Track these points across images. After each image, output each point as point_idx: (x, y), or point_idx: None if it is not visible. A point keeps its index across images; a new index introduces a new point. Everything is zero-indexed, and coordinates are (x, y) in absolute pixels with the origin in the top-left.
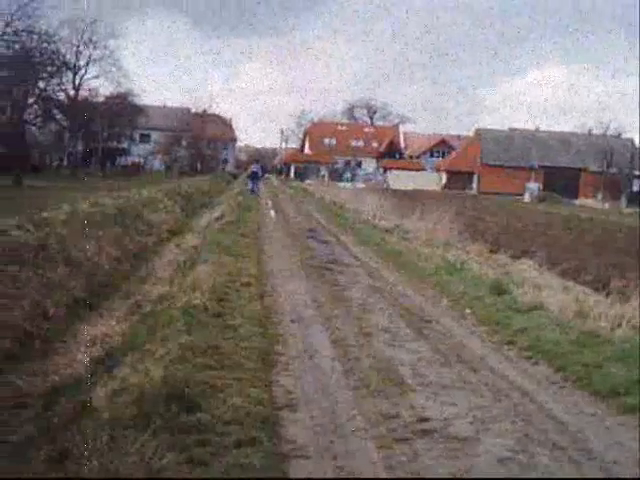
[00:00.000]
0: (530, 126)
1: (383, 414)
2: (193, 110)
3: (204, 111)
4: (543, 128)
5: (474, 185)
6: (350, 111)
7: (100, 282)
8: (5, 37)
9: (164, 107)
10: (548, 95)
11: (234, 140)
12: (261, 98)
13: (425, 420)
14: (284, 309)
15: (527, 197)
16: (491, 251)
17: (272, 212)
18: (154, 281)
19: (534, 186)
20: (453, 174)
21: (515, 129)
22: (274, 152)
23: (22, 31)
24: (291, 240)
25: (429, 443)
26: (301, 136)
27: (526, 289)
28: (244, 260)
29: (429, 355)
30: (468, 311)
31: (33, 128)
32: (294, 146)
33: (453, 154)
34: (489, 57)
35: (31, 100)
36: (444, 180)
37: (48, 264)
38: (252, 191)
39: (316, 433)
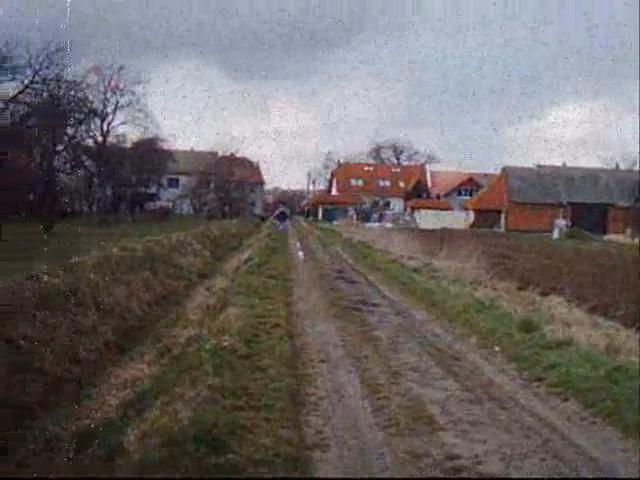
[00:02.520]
0: (556, 163)
1: (413, 453)
2: (220, 154)
3: (231, 154)
4: (569, 165)
5: (502, 223)
6: (376, 151)
7: (131, 326)
8: (34, 85)
9: (192, 151)
10: (572, 132)
11: (262, 183)
12: (288, 140)
13: (455, 458)
14: (313, 349)
15: (555, 234)
16: (520, 288)
17: (300, 253)
18: (184, 324)
19: (562, 223)
20: (481, 212)
21: (542, 166)
22: (301, 194)
23: (50, 79)
24: (320, 281)
25: None
26: (328, 177)
27: (555, 325)
28: (273, 302)
29: (458, 393)
30: (497, 348)
31: (62, 175)
32: (321, 187)
33: (480, 192)
34: (513, 97)
35: (60, 147)
36: (472, 218)
37: (78, 309)
38: (281, 230)
39: (346, 473)
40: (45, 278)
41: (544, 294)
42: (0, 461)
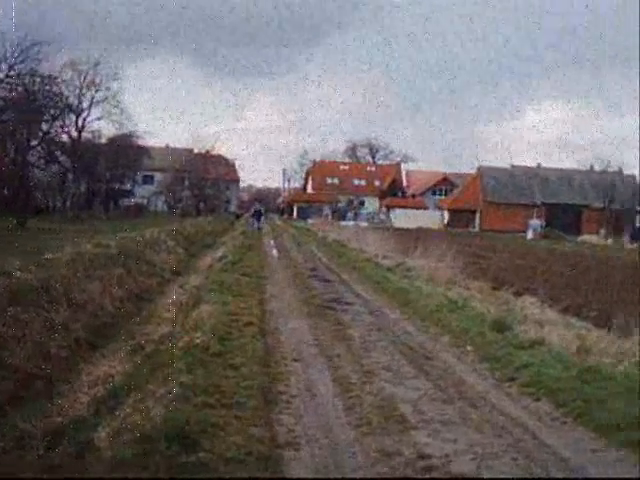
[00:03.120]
0: (531, 163)
1: (384, 452)
2: (196, 151)
3: (207, 152)
4: (544, 165)
5: (477, 223)
6: (352, 150)
7: (103, 323)
8: (8, 80)
9: (167, 148)
10: (548, 132)
11: (237, 180)
12: (263, 138)
13: (426, 457)
14: (286, 348)
15: (530, 234)
16: (493, 288)
17: (275, 251)
18: (157, 321)
19: (536, 223)
20: (455, 212)
21: (516, 166)
22: (277, 192)
23: (25, 74)
24: (293, 279)
25: None
26: (303, 176)
27: (528, 326)
28: (246, 300)
29: (430, 392)
30: (469, 348)
31: (36, 170)
32: (297, 186)
33: (455, 192)
34: (489, 95)
35: (34, 142)
36: (446, 218)
37: (51, 305)
38: (257, 228)
39: (317, 472)
40: (17, 274)
41: (518, 294)
42: None
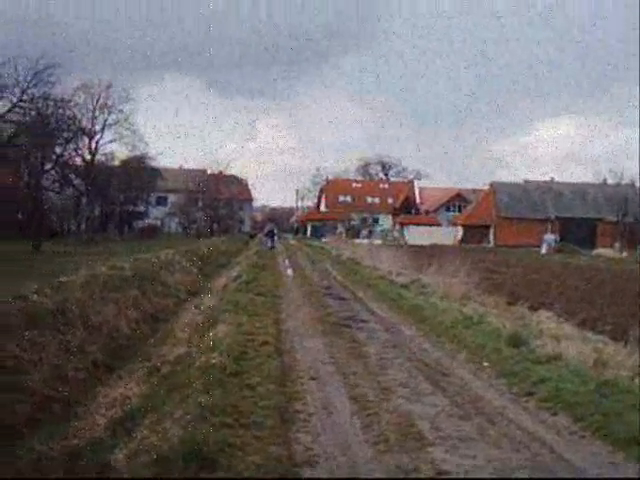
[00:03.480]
0: (544, 178)
1: (402, 469)
2: (209, 171)
3: (220, 172)
4: (557, 179)
5: (491, 238)
6: (365, 168)
7: (119, 345)
8: (22, 104)
9: (180, 169)
10: (560, 146)
11: (250, 200)
12: (276, 157)
13: (444, 473)
14: (302, 367)
15: (544, 249)
16: (509, 303)
17: (289, 271)
18: (173, 342)
19: (551, 238)
20: (469, 228)
21: (529, 181)
22: (290, 211)
23: (38, 98)
24: (308, 298)
25: None
26: (317, 194)
27: (544, 340)
28: (262, 319)
29: (447, 408)
30: (486, 364)
31: (51, 193)
32: (310, 204)
33: (469, 208)
34: (501, 111)
35: (48, 166)
36: (460, 234)
37: (67, 328)
38: (271, 247)
39: None
40: (34, 297)
41: (533, 309)
42: None
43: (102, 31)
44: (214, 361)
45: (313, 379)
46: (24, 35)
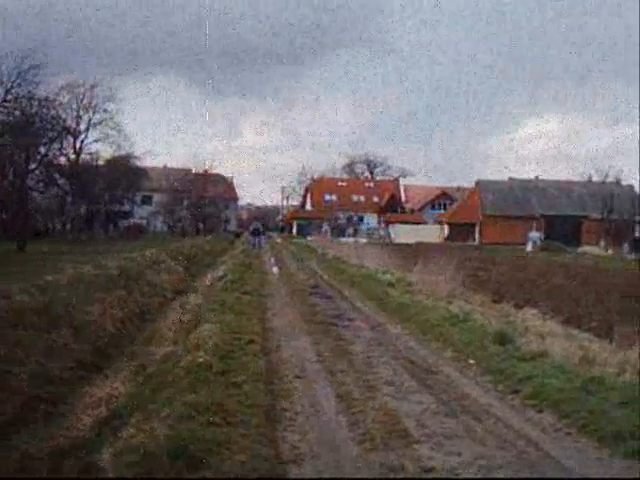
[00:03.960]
0: (529, 175)
1: (388, 466)
2: (194, 170)
3: (205, 171)
4: (543, 177)
5: (476, 236)
6: (350, 167)
7: (105, 344)
8: (6, 104)
9: (165, 168)
10: (546, 144)
11: (235, 199)
12: (261, 156)
13: (430, 470)
14: (288, 365)
15: (529, 246)
16: (494, 301)
17: (275, 269)
18: (159, 341)
19: (536, 235)
20: (455, 226)
21: (514, 179)
22: (276, 210)
23: (22, 97)
24: (294, 297)
25: None
26: (302, 193)
27: (530, 338)
28: (247, 318)
29: (433, 406)
30: (472, 361)
31: (35, 193)
32: (295, 203)
33: (454, 206)
34: (486, 109)
35: (33, 165)
36: (446, 232)
37: (52, 327)
38: (254, 246)
39: None
40: (17, 297)
41: (518, 306)
42: None
43: (86, 29)
44: (200, 360)
45: (299, 377)
46: (7, 32)
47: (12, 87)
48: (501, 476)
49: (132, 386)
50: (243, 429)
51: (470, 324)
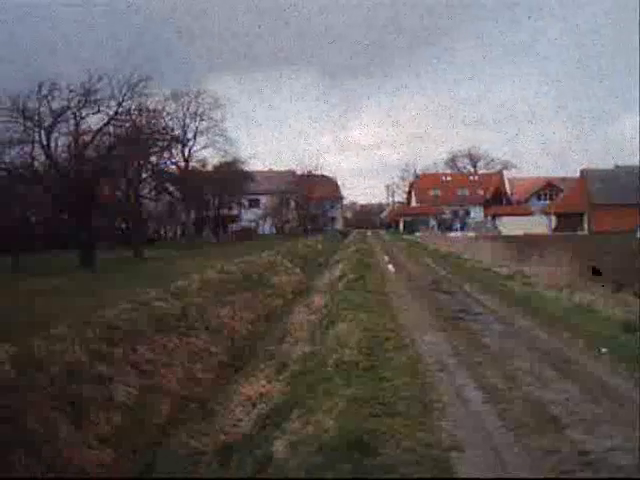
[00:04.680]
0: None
1: (545, 450)
2: (299, 172)
3: (309, 172)
4: None
5: (585, 225)
6: (452, 161)
7: (239, 345)
8: (118, 117)
9: (270, 171)
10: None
11: (340, 198)
12: (363, 154)
13: (586, 453)
14: (427, 359)
15: (639, 234)
16: (613, 290)
17: (390, 267)
18: (291, 341)
19: None
20: (562, 216)
21: (621, 166)
22: (379, 207)
23: (133, 110)
24: (416, 293)
25: (595, 474)
26: (406, 189)
27: None
28: (377, 316)
29: (576, 394)
30: (604, 350)
31: (147, 201)
32: (399, 200)
33: (561, 196)
34: (588, 100)
35: (145, 175)
36: (554, 223)
37: (190, 331)
38: None
39: (486, 471)
40: (155, 303)
41: (637, 295)
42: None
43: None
44: (347, 357)
45: (441, 371)
46: (117, 48)
47: (123, 100)
48: None
49: (280, 384)
50: (403, 419)
51: (595, 314)
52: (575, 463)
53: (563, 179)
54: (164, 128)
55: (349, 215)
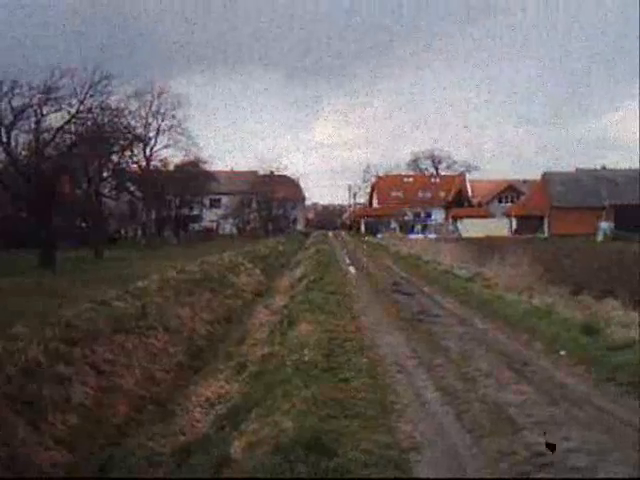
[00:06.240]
0: (596, 166)
1: (502, 452)
2: (261, 172)
3: (271, 172)
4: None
5: (545, 228)
6: (414, 162)
7: (199, 346)
8: (79, 115)
9: (232, 171)
10: (610, 134)
11: (302, 199)
12: (325, 154)
13: (542, 455)
14: (387, 360)
15: (600, 237)
16: (572, 293)
17: (352, 268)
18: (251, 342)
19: (606, 225)
20: (523, 219)
21: (581, 169)
22: (341, 209)
23: (95, 108)
24: (377, 295)
25: (551, 475)
26: (368, 191)
27: (614, 328)
28: (338, 317)
29: (534, 396)
30: (563, 352)
31: (108, 200)
32: (361, 201)
33: (522, 199)
34: (558, 100)
35: (105, 174)
36: (514, 225)
37: (149, 331)
38: None
39: (444, 472)
40: (114, 303)
41: (598, 298)
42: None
43: (150, 35)
44: (306, 358)
45: (400, 372)
46: (78, 46)
47: (85, 98)
48: (611, 458)
49: (239, 385)
50: (362, 420)
51: (554, 317)
52: (532, 464)
53: (524, 182)
54: (126, 127)
55: (311, 216)
